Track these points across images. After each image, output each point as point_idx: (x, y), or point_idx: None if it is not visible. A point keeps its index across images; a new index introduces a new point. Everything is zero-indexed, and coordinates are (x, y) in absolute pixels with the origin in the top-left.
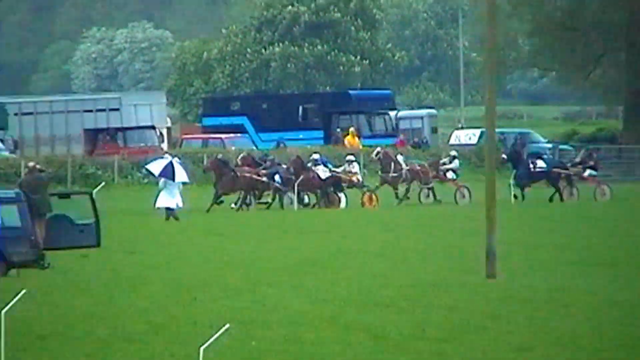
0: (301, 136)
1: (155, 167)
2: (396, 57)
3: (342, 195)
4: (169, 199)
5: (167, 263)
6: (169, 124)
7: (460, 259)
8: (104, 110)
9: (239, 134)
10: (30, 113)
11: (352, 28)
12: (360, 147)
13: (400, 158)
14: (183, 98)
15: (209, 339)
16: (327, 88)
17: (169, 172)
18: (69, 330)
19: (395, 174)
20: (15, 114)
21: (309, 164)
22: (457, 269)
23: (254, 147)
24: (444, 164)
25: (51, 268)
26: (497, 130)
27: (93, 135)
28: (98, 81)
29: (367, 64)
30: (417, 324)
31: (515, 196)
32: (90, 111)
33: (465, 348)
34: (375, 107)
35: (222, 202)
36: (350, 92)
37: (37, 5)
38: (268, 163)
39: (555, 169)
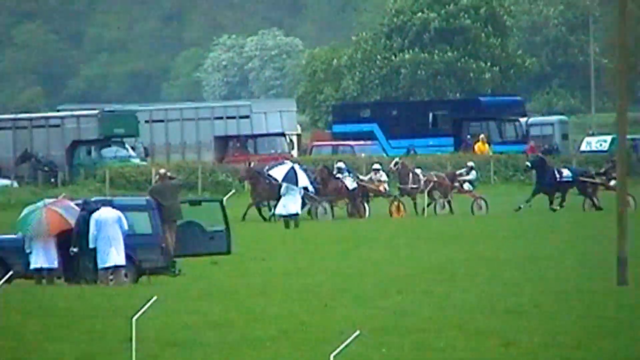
0: (431, 143)
1: (278, 172)
2: (527, 64)
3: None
4: (291, 205)
5: (297, 270)
6: (299, 131)
7: (590, 266)
8: (234, 117)
9: (369, 141)
10: (161, 120)
11: (483, 34)
12: (490, 153)
13: (418, 170)
14: (313, 105)
15: (339, 346)
16: (457, 95)
17: (292, 178)
18: (199, 337)
19: (414, 186)
20: (146, 122)
21: (336, 173)
22: (588, 275)
23: (385, 154)
24: (461, 175)
25: (182, 275)
26: (628, 136)
27: (223, 143)
28: (228, 88)
29: (498, 70)
30: (548, 331)
31: (528, 202)
32: (221, 118)
33: (597, 356)
34: (505, 113)
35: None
36: (481, 98)
37: (168, 14)
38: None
39: (581, 178)
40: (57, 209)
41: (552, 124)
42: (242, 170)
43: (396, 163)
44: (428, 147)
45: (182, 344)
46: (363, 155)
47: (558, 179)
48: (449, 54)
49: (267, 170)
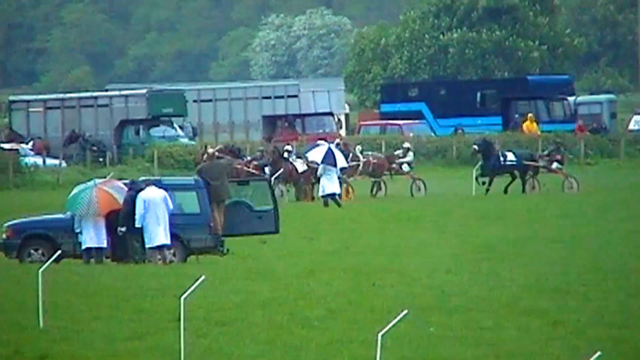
0: (479, 122)
1: (317, 154)
2: (575, 43)
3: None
4: (329, 185)
5: (345, 249)
6: (347, 111)
7: (636, 245)
8: (282, 97)
9: (417, 120)
10: (209, 100)
11: (531, 13)
12: (539, 132)
13: (357, 149)
14: (361, 84)
15: (387, 325)
16: (505, 74)
17: (330, 159)
18: (247, 316)
19: (352, 165)
20: (195, 101)
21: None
22: (635, 254)
23: (432, 134)
24: (399, 156)
25: (230, 254)
26: None
27: (271, 122)
28: (276, 68)
29: (546, 49)
30: (595, 310)
31: (483, 183)
32: (269, 98)
33: None
34: (553, 92)
35: None
36: (529, 77)
37: None
38: (258, 154)
39: (525, 162)
40: (107, 188)
41: (600, 103)
42: (269, 152)
43: (337, 144)
44: (476, 127)
45: (230, 323)
46: (411, 134)
47: (502, 162)
48: (497, 33)
49: (305, 153)
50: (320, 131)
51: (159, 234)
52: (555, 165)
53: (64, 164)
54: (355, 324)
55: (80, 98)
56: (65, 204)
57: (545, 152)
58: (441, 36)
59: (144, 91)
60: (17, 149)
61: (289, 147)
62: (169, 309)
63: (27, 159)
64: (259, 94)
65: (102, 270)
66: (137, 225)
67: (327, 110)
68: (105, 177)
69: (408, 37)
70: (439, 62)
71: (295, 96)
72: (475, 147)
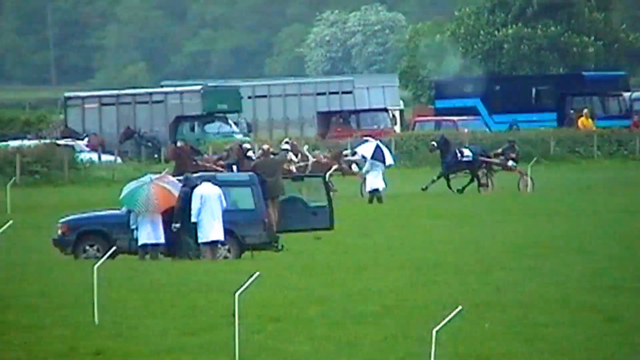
0: (534, 118)
1: (366, 150)
2: (630, 38)
3: None
4: (375, 181)
5: (400, 245)
6: (402, 107)
7: None
8: (337, 93)
9: (471, 117)
10: (264, 96)
11: (586, 9)
12: (594, 128)
13: (305, 149)
14: (416, 80)
15: (441, 321)
16: (560, 69)
17: (380, 155)
18: (302, 313)
19: (300, 165)
20: (249, 97)
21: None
22: None
23: (487, 130)
24: (346, 155)
25: (285, 250)
26: None
27: (326, 118)
28: (331, 64)
29: (601, 45)
30: None
31: (449, 186)
32: (324, 94)
33: None
34: (609, 88)
35: None
36: (584, 73)
37: None
38: (225, 154)
39: (481, 158)
40: (163, 184)
41: None
42: (234, 151)
43: (287, 142)
44: (531, 123)
45: (284, 319)
46: (466, 130)
47: (459, 159)
48: (552, 28)
49: (354, 148)
50: (375, 127)
51: (213, 229)
52: (510, 163)
53: (119, 160)
54: (409, 320)
55: (135, 94)
56: (120, 200)
57: (500, 150)
58: (496, 32)
59: (199, 87)
60: (72, 145)
61: (247, 146)
62: (223, 305)
63: (82, 155)
64: (314, 90)
65: (157, 267)
66: (193, 220)
67: (382, 106)
68: (159, 173)
69: (463, 32)
70: (493, 58)
71: (350, 92)
72: (434, 143)
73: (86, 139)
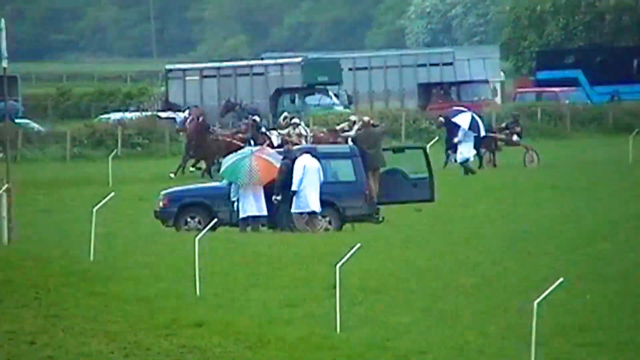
0: (636, 89)
1: (463, 120)
2: None
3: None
4: (466, 151)
5: (501, 217)
6: (502, 78)
7: None
8: (437, 64)
9: (573, 88)
10: (365, 68)
11: None
12: None
13: (302, 125)
14: (516, 52)
15: (542, 293)
16: None
17: (475, 126)
18: (403, 284)
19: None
20: (350, 69)
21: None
22: None
23: (588, 101)
24: (344, 130)
25: (385, 222)
26: None
27: (427, 90)
28: (432, 35)
29: None
30: None
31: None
32: (424, 65)
33: None
34: None
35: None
36: None
37: None
38: (243, 127)
39: (487, 134)
40: (265, 156)
41: None
42: (248, 125)
43: (285, 117)
44: (633, 94)
45: (385, 291)
46: (567, 102)
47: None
48: None
49: (451, 118)
50: (476, 99)
51: (312, 201)
52: (515, 137)
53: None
54: (510, 292)
55: (236, 67)
56: (221, 173)
57: (503, 125)
58: (597, 3)
59: (299, 59)
60: (173, 118)
61: (256, 118)
62: (324, 277)
63: None
64: (414, 62)
65: (259, 239)
66: (294, 188)
67: (482, 77)
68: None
69: (564, 3)
70: (595, 29)
71: (451, 64)
72: (442, 119)
73: (187, 111)
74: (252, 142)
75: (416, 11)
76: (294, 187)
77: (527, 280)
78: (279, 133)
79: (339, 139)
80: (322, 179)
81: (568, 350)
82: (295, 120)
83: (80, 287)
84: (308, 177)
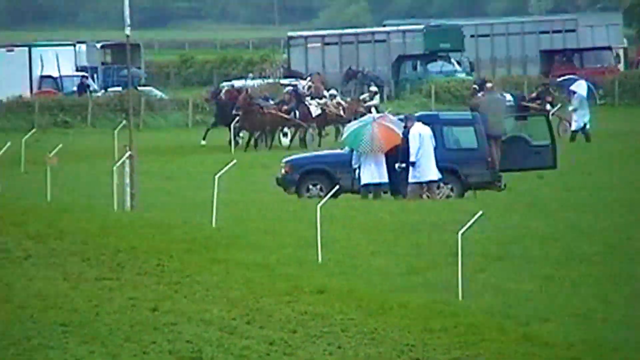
0: None
1: (581, 88)
2: None
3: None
4: (580, 119)
5: (623, 184)
6: (626, 45)
7: None
8: (560, 31)
9: None
10: (487, 35)
11: None
12: None
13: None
14: None
15: None
16: None
17: (591, 94)
18: (525, 252)
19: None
20: (472, 36)
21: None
22: None
23: None
24: (365, 100)
25: (507, 189)
26: None
27: (549, 57)
28: (554, 2)
29: None
30: None
31: None
32: (547, 32)
33: None
34: None
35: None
36: None
37: None
38: (286, 97)
39: (522, 103)
40: (386, 123)
41: None
42: (289, 96)
43: (309, 87)
44: None
45: (508, 258)
46: None
47: None
48: None
49: (569, 87)
50: (599, 65)
51: (430, 170)
52: (548, 107)
53: None
54: (634, 260)
55: (358, 34)
56: (343, 140)
57: (534, 95)
58: None
59: (422, 26)
60: (294, 85)
61: (303, 90)
62: (446, 244)
63: None
64: (537, 29)
65: (380, 206)
66: (413, 159)
67: (605, 44)
68: (382, 113)
69: None
70: None
71: (573, 30)
72: (475, 87)
73: (308, 79)
74: (295, 113)
75: None
76: (412, 158)
77: None
78: (317, 103)
79: (361, 109)
80: (434, 144)
81: None
82: (333, 91)
83: (202, 254)
84: (424, 145)
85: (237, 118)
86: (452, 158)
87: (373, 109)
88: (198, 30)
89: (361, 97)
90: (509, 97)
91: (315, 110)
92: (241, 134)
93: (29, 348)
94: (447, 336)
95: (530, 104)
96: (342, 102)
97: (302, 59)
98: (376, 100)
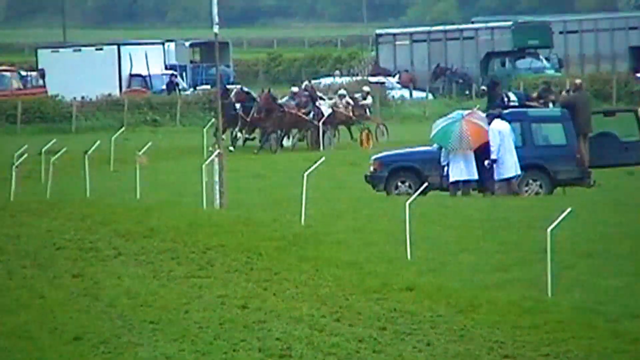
0: None
1: None
2: None
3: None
4: None
5: None
6: None
7: None
8: None
9: None
10: (575, 31)
11: None
12: None
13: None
14: None
15: None
16: None
17: None
18: (615, 248)
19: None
20: (560, 33)
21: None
22: None
23: None
24: (359, 100)
25: (597, 186)
26: None
27: (638, 53)
28: None
29: None
30: None
31: None
32: (636, 29)
33: None
34: None
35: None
36: None
37: None
38: (304, 99)
39: (527, 103)
40: (475, 120)
41: None
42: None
43: (306, 87)
44: None
45: (597, 255)
46: None
47: (507, 103)
48: None
49: None
50: None
51: (511, 166)
52: (551, 106)
53: (430, 97)
54: None
55: (446, 31)
56: (432, 137)
57: (535, 95)
58: None
59: (510, 23)
60: (383, 82)
61: (294, 89)
62: (535, 241)
63: (393, 92)
64: (626, 25)
65: (469, 203)
66: (494, 157)
67: None
68: (470, 110)
69: None
70: None
71: None
72: (484, 88)
73: (397, 76)
74: (312, 113)
75: None
76: (493, 156)
77: None
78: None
79: (363, 111)
80: (514, 139)
81: None
82: (342, 91)
83: (292, 251)
84: (504, 142)
85: (256, 117)
86: (541, 154)
87: (368, 110)
88: (286, 28)
89: (355, 97)
90: (512, 96)
91: (325, 111)
92: (239, 135)
93: (118, 346)
94: (536, 333)
95: (532, 104)
96: (352, 102)
97: (390, 57)
98: (369, 100)
